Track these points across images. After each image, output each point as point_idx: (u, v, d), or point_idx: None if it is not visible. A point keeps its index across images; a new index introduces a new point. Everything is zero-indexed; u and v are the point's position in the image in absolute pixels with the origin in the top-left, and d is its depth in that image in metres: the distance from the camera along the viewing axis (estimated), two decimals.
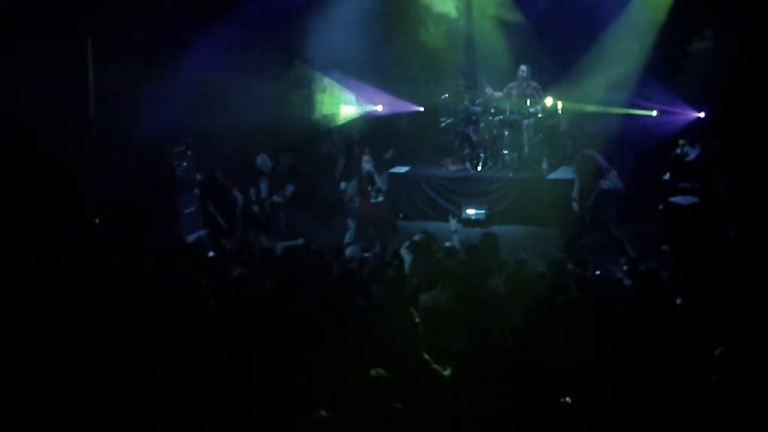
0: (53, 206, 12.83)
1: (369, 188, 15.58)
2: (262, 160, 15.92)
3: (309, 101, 19.04)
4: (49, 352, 8.68)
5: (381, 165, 16.51)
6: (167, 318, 9.33)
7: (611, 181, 14.90)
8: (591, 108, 17.81)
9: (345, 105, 19.51)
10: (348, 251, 12.46)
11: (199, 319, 9.51)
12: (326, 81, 19.15)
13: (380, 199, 15.57)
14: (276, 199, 15.89)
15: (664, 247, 13.38)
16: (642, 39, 16.99)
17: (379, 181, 15.62)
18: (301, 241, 13.86)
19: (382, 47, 18.48)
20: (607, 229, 14.47)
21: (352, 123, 19.36)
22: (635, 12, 17.12)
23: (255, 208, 15.90)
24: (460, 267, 10.93)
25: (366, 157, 15.79)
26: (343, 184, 16.22)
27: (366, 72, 18.72)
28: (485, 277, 10.51)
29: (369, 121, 19.59)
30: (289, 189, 16.10)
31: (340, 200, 16.54)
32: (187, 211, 15.47)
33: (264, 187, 15.96)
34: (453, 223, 13.21)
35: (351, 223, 15.52)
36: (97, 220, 14.07)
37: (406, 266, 11.29)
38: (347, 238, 14.84)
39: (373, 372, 7.71)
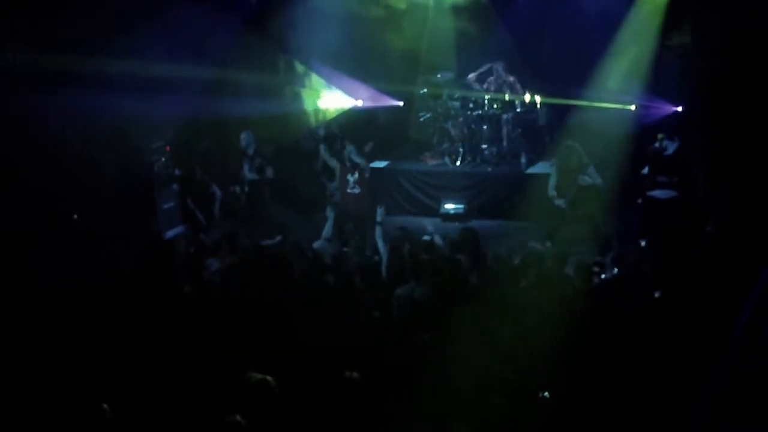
0: (31, 203, 12.74)
1: (348, 177, 15.59)
2: (246, 137, 15.80)
3: (290, 94, 18.99)
4: (30, 348, 8.64)
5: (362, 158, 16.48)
6: (148, 313, 9.30)
7: (590, 176, 14.96)
8: (570, 102, 17.87)
9: (326, 99, 19.47)
10: (315, 245, 12.45)
11: (179, 314, 9.49)
12: (306, 73, 19.11)
13: (356, 190, 15.54)
14: (250, 176, 15.77)
15: (643, 241, 13.42)
16: (642, 38, 17.05)
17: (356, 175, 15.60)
18: (279, 238, 13.81)
19: (361, 41, 18.45)
20: (588, 223, 14.52)
21: (332, 118, 19.31)
22: (636, 13, 17.15)
23: (236, 188, 15.80)
24: (440, 261, 10.98)
25: (350, 148, 15.82)
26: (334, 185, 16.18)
27: (345, 66, 18.70)
28: (465, 272, 10.56)
29: (348, 115, 19.56)
30: (269, 171, 15.97)
31: (320, 194, 16.52)
32: (165, 206, 15.41)
33: (246, 168, 15.87)
34: (429, 227, 13.17)
35: (330, 215, 15.42)
36: (76, 216, 13.98)
37: (384, 259, 11.30)
38: (325, 231, 14.80)
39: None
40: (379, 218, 11.65)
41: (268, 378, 7.41)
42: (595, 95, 17.45)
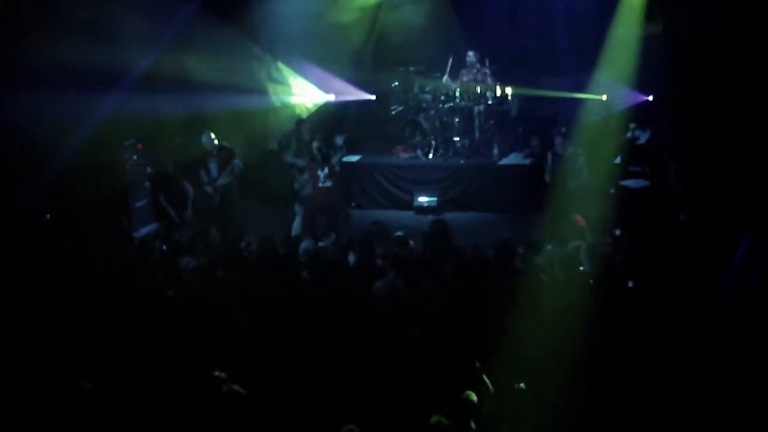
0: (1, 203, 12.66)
1: (318, 172, 15.54)
2: (206, 139, 15.69)
3: (263, 89, 18.86)
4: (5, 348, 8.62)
5: (335, 151, 16.38)
6: (121, 313, 9.27)
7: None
8: (541, 93, 17.93)
9: (298, 93, 19.37)
10: (303, 245, 12.40)
11: (152, 313, 9.46)
12: (277, 66, 19.01)
13: (328, 184, 15.50)
14: (224, 180, 15.70)
15: (617, 231, 13.46)
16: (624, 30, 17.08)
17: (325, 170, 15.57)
18: (245, 240, 13.66)
19: (332, 34, 18.39)
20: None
21: (305, 117, 19.19)
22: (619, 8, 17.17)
23: (209, 188, 15.70)
24: (414, 254, 11.00)
25: (316, 144, 15.79)
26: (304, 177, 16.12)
27: (316, 59, 18.63)
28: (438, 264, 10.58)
29: (320, 112, 19.48)
30: (237, 164, 15.86)
31: (291, 189, 16.46)
32: (138, 204, 15.31)
33: (213, 167, 15.78)
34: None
35: (299, 210, 15.37)
36: (48, 216, 13.88)
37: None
38: (294, 227, 14.73)
39: None
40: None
41: (235, 387, 7.42)
42: (569, 86, 17.49)
